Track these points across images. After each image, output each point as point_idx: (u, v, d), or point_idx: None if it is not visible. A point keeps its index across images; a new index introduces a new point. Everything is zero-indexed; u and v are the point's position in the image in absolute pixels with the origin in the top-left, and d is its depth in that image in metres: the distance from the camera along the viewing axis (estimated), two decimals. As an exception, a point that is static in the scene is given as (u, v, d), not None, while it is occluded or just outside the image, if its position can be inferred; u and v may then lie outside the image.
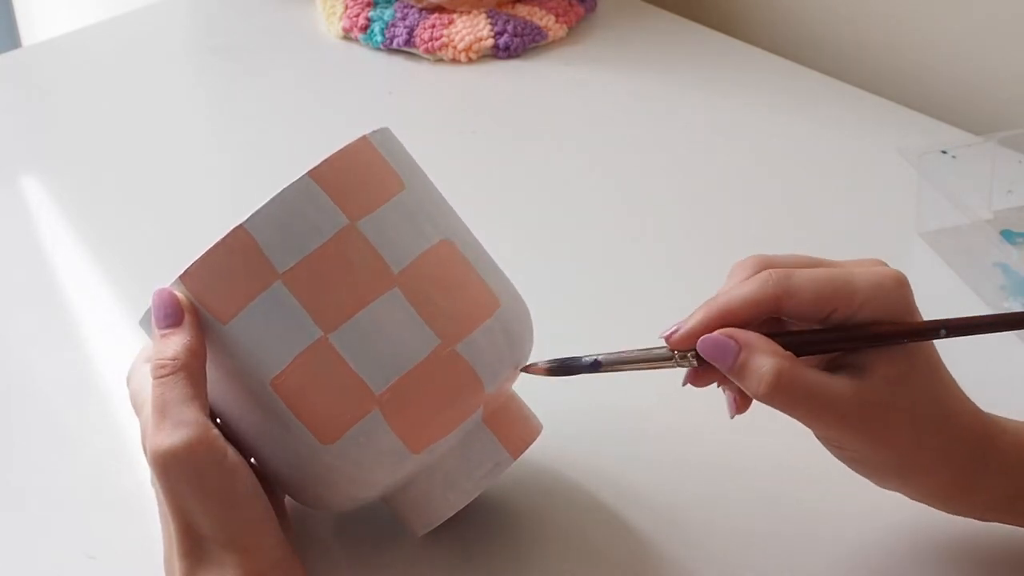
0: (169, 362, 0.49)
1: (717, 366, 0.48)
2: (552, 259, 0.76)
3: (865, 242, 0.74)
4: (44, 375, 0.69)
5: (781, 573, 0.54)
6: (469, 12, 1.02)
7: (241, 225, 0.49)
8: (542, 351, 0.54)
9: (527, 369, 0.53)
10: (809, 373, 0.48)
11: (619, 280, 0.75)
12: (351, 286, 0.50)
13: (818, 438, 0.51)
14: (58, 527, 0.59)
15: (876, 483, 0.52)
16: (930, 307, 0.50)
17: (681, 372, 0.51)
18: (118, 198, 0.86)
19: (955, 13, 0.91)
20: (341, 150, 0.51)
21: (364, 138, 0.52)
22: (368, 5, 1.04)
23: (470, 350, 0.51)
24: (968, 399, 0.51)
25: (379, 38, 1.02)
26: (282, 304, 0.49)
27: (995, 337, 0.53)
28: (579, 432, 0.61)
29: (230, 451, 0.48)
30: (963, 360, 0.52)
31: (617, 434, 0.62)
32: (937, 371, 0.50)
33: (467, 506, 0.53)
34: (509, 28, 1.00)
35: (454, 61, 1.00)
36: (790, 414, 0.48)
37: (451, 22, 1.01)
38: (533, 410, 0.56)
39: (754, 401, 0.50)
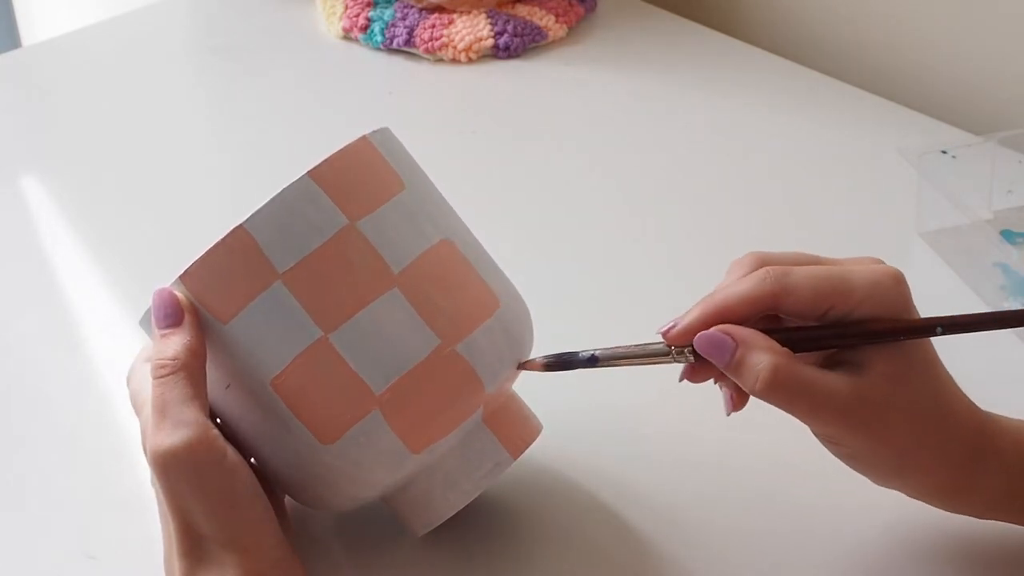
0: (169, 362, 0.49)
1: (713, 362, 0.49)
2: (552, 259, 0.76)
3: (865, 242, 0.74)
4: (44, 375, 0.69)
5: (781, 572, 0.54)
6: (469, 12, 1.02)
7: (241, 225, 0.49)
8: (542, 351, 0.54)
9: (524, 366, 0.53)
10: (805, 370, 0.48)
11: (619, 280, 0.75)
12: (351, 286, 0.49)
13: (816, 435, 0.51)
14: (58, 527, 0.59)
15: (875, 481, 0.52)
16: (930, 307, 0.50)
17: (678, 368, 0.51)
18: (118, 198, 0.86)
19: (955, 13, 0.91)
20: (341, 150, 0.51)
21: (364, 138, 0.52)
22: (368, 5, 1.04)
23: (470, 350, 0.51)
24: (966, 397, 0.51)
25: (379, 38, 1.02)
26: (282, 304, 0.49)
27: (994, 336, 0.53)
28: (579, 432, 0.61)
29: (230, 451, 0.48)
30: (962, 359, 0.52)
31: (617, 434, 0.62)
32: (935, 369, 0.50)
33: (467, 506, 0.53)
34: (509, 28, 1.00)
35: (454, 61, 1.00)
36: (787, 410, 0.49)
37: (451, 22, 1.01)
38: (533, 410, 0.56)
39: (752, 399, 0.50)
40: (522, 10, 1.03)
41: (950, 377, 0.50)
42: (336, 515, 0.57)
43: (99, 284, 0.78)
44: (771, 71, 0.97)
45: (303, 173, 0.50)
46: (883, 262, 0.50)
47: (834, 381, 0.48)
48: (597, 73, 0.99)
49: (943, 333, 0.49)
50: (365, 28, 1.02)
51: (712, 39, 1.02)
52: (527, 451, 0.54)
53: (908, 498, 0.52)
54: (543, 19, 1.02)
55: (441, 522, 0.53)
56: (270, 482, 0.52)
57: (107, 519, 0.59)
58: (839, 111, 0.91)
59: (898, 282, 0.49)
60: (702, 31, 1.03)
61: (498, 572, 0.55)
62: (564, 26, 1.03)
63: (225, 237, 0.49)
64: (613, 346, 0.51)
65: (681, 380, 0.51)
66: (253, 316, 0.49)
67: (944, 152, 0.74)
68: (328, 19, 1.06)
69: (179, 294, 0.50)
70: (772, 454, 0.59)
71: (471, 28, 1.00)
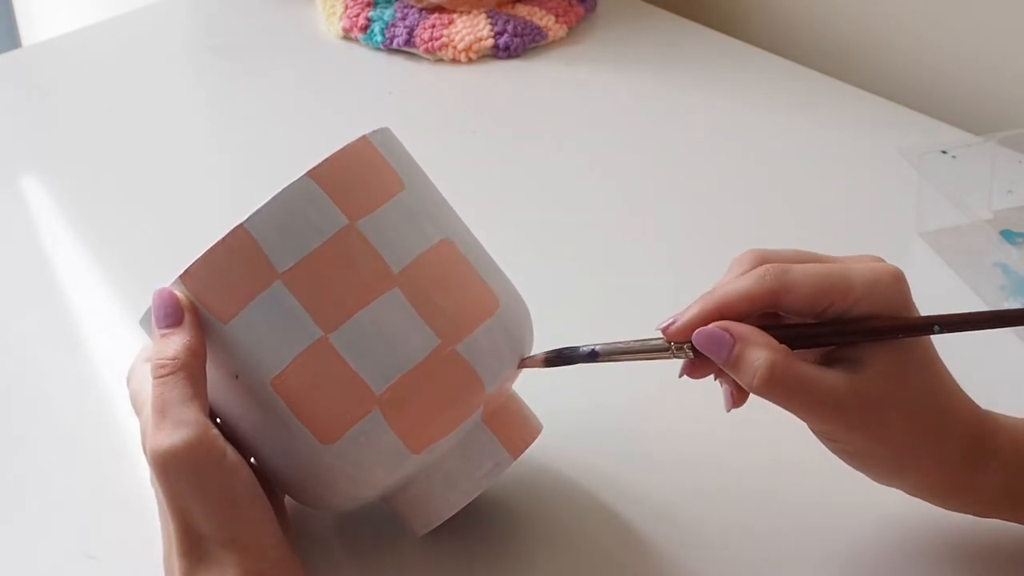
0: (169, 362, 0.49)
1: (712, 358, 0.49)
2: (553, 259, 0.76)
3: (865, 242, 0.74)
4: (44, 375, 0.69)
5: (781, 570, 0.54)
6: (469, 12, 1.02)
7: (241, 225, 0.49)
8: (542, 351, 0.54)
9: (525, 362, 0.53)
10: (803, 366, 0.48)
11: (619, 280, 0.75)
12: (351, 286, 0.49)
13: (814, 433, 0.51)
14: (58, 527, 0.59)
15: (874, 479, 0.52)
16: (930, 307, 0.50)
17: (676, 368, 0.51)
18: (118, 198, 0.86)
19: (955, 13, 0.91)
20: (341, 150, 0.51)
21: (364, 138, 0.52)
22: (368, 5, 1.04)
23: (470, 350, 0.51)
24: (966, 396, 0.51)
25: (379, 38, 1.02)
26: (282, 304, 0.49)
27: (993, 336, 0.53)
28: (579, 432, 0.61)
29: (230, 451, 0.48)
30: (962, 359, 0.52)
31: (617, 433, 0.62)
32: (934, 367, 0.50)
33: (467, 506, 0.53)
34: (509, 28, 1.00)
35: (454, 61, 1.00)
36: (784, 407, 0.49)
37: (451, 22, 1.01)
38: (533, 410, 0.56)
39: (752, 397, 0.50)
40: (522, 10, 1.03)
41: (950, 376, 0.50)
42: (336, 515, 0.57)
43: (99, 284, 0.78)
44: (771, 71, 0.97)
45: (303, 173, 0.50)
46: (883, 260, 0.50)
47: (832, 378, 0.48)
48: (597, 73, 0.99)
49: (941, 331, 0.49)
50: (365, 28, 1.02)
51: (712, 39, 1.02)
52: (527, 451, 0.54)
53: (908, 496, 0.52)
54: (543, 19, 1.02)
55: (441, 522, 0.53)
56: (270, 482, 0.52)
57: (107, 519, 0.59)
58: (839, 111, 0.91)
59: (897, 280, 0.49)
60: (702, 31, 1.03)
61: (499, 572, 0.55)
62: (564, 26, 1.03)
63: (225, 237, 0.49)
64: (613, 342, 0.51)
65: (681, 376, 0.51)
66: (253, 316, 0.49)
67: (944, 152, 0.74)
68: (328, 19, 1.06)
69: (179, 294, 0.50)
70: (772, 452, 0.59)
71: (471, 28, 1.00)
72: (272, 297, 0.49)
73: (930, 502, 0.52)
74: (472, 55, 1.00)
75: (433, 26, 1.01)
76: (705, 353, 0.49)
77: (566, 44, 1.03)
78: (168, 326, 0.49)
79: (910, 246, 0.75)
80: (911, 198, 0.76)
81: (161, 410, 0.48)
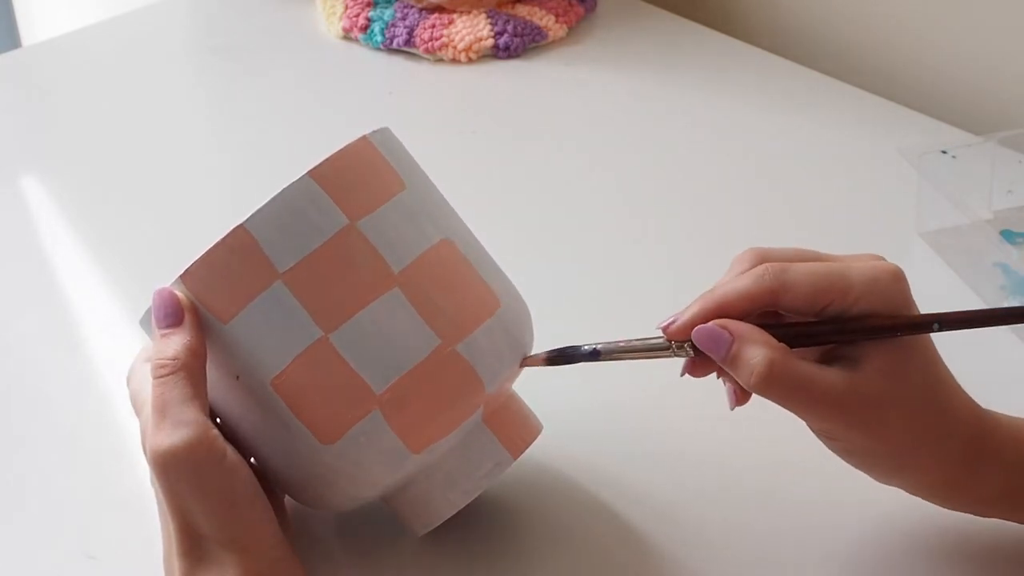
0: (169, 362, 0.49)
1: (711, 356, 0.49)
2: (553, 259, 0.76)
3: (865, 242, 0.74)
4: (44, 375, 0.69)
5: (782, 570, 0.54)
6: (469, 12, 1.02)
7: (241, 225, 0.49)
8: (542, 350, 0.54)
9: (527, 361, 0.53)
10: (801, 364, 0.48)
11: (620, 280, 0.75)
12: (351, 286, 0.49)
13: (813, 431, 0.51)
14: (58, 527, 0.59)
15: (874, 478, 0.52)
16: (930, 307, 0.50)
17: (676, 368, 0.51)
18: (118, 198, 0.86)
19: (955, 13, 0.91)
20: (341, 150, 0.51)
21: (364, 138, 0.52)
22: (368, 5, 1.04)
23: (471, 350, 0.51)
24: (966, 395, 0.51)
25: (379, 38, 1.02)
26: (282, 304, 0.49)
27: (993, 335, 0.54)
28: (579, 431, 0.61)
29: (230, 451, 0.48)
30: (961, 358, 0.52)
31: (617, 433, 0.62)
32: (933, 366, 0.50)
33: (467, 506, 0.53)
34: (509, 28, 1.00)
35: (454, 61, 1.00)
36: (783, 405, 0.49)
37: (451, 22, 1.01)
38: (533, 409, 0.56)
39: (754, 396, 0.50)
40: (522, 10, 1.03)
41: (950, 374, 0.50)
42: (336, 515, 0.57)
43: (99, 284, 0.78)
44: (771, 71, 0.97)
45: (303, 173, 0.50)
46: (883, 259, 0.50)
47: (830, 376, 0.48)
48: (597, 73, 0.99)
49: (940, 329, 0.49)
50: (365, 28, 1.02)
51: (712, 39, 1.02)
52: (527, 450, 0.54)
53: (908, 495, 0.52)
54: (543, 19, 1.02)
55: (441, 522, 0.53)
56: (270, 482, 0.52)
57: (107, 519, 0.59)
58: (839, 111, 0.91)
59: (897, 278, 0.49)
60: (702, 31, 1.03)
61: (499, 572, 0.55)
62: (564, 26, 1.03)
63: (225, 237, 0.49)
64: (614, 341, 0.51)
65: (683, 375, 0.51)
66: (253, 316, 0.49)
67: (944, 152, 0.74)
68: (328, 19, 1.06)
69: (179, 294, 0.50)
70: (772, 452, 0.59)
71: (471, 28, 1.00)
72: (272, 297, 0.49)
73: (930, 501, 0.52)
74: (472, 55, 1.00)
75: (433, 26, 1.01)
76: (704, 351, 0.49)
77: (566, 44, 1.03)
78: (168, 326, 0.49)
79: (910, 246, 0.75)
80: (911, 198, 0.76)
81: (161, 410, 0.48)
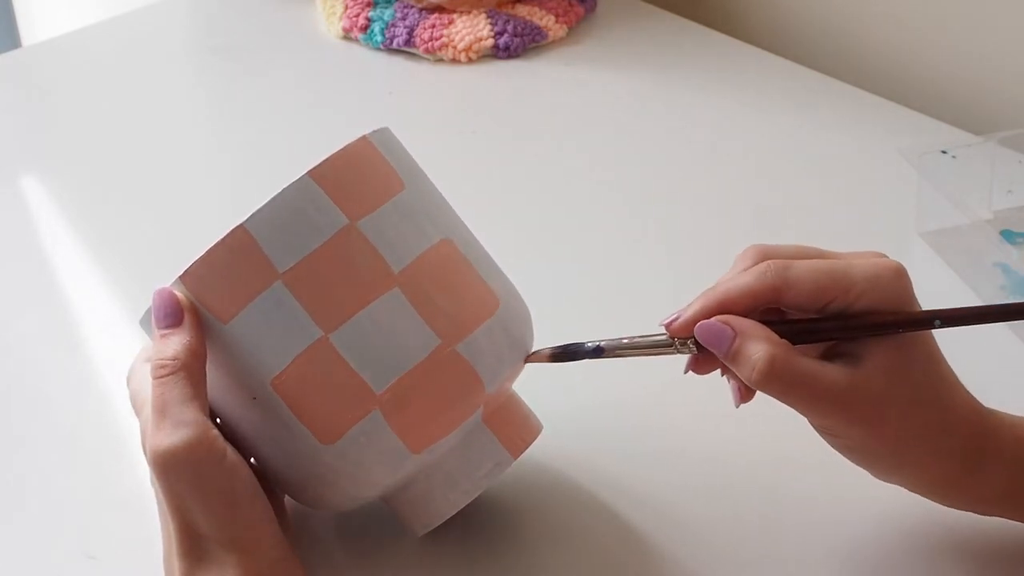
0: (169, 362, 0.49)
1: (713, 352, 0.49)
2: (553, 259, 0.76)
3: (865, 242, 0.73)
4: (44, 375, 0.69)
5: (783, 568, 0.54)
6: (469, 12, 1.02)
7: (241, 225, 0.49)
8: (542, 351, 0.54)
9: (530, 358, 0.53)
10: (803, 361, 0.48)
11: (620, 280, 0.75)
12: (351, 286, 0.49)
13: (814, 427, 0.51)
14: (58, 527, 0.59)
15: (874, 475, 0.52)
16: (930, 307, 0.50)
17: (675, 367, 0.51)
18: (118, 198, 0.86)
19: (955, 13, 0.91)
20: (341, 150, 0.51)
21: (364, 138, 0.52)
22: (368, 5, 1.04)
23: (471, 350, 0.51)
24: (967, 392, 0.51)
25: (379, 38, 1.02)
26: (282, 304, 0.49)
27: (993, 334, 0.54)
28: (579, 431, 0.61)
29: (230, 451, 0.48)
30: (962, 357, 0.52)
31: (617, 433, 0.62)
32: (935, 363, 0.50)
33: (467, 506, 0.53)
34: (509, 28, 1.00)
35: (454, 61, 1.00)
36: (784, 401, 0.49)
37: (451, 22, 1.01)
38: (533, 408, 0.56)
39: (758, 394, 0.50)
40: (522, 10, 1.03)
41: (952, 372, 0.50)
42: (336, 515, 0.57)
43: (99, 284, 0.78)
44: (771, 71, 0.97)
45: (303, 173, 0.50)
46: (886, 256, 0.51)
47: (831, 372, 0.48)
48: (597, 73, 0.99)
49: (941, 326, 0.49)
50: (365, 28, 1.02)
51: (712, 39, 1.02)
52: (527, 450, 0.54)
53: (909, 493, 0.52)
54: (543, 19, 1.02)
55: (441, 522, 0.53)
56: (270, 482, 0.52)
57: (107, 519, 0.59)
58: (839, 111, 0.91)
59: (899, 275, 0.49)
60: (702, 31, 1.03)
61: (499, 572, 0.55)
62: (564, 26, 1.03)
63: (225, 237, 0.49)
64: (617, 338, 0.51)
65: (686, 372, 0.51)
66: (253, 316, 0.49)
67: (944, 152, 0.74)
68: (328, 19, 1.06)
69: (179, 294, 0.50)
70: (773, 449, 0.59)
71: (471, 28, 1.00)
72: (272, 297, 0.49)
73: (931, 499, 0.52)
74: (472, 55, 1.00)
75: (433, 26, 1.01)
76: (706, 346, 0.49)
77: (566, 44, 1.03)
78: (168, 326, 0.49)
79: (910, 246, 0.75)
80: (911, 198, 0.76)
81: (161, 410, 0.48)
